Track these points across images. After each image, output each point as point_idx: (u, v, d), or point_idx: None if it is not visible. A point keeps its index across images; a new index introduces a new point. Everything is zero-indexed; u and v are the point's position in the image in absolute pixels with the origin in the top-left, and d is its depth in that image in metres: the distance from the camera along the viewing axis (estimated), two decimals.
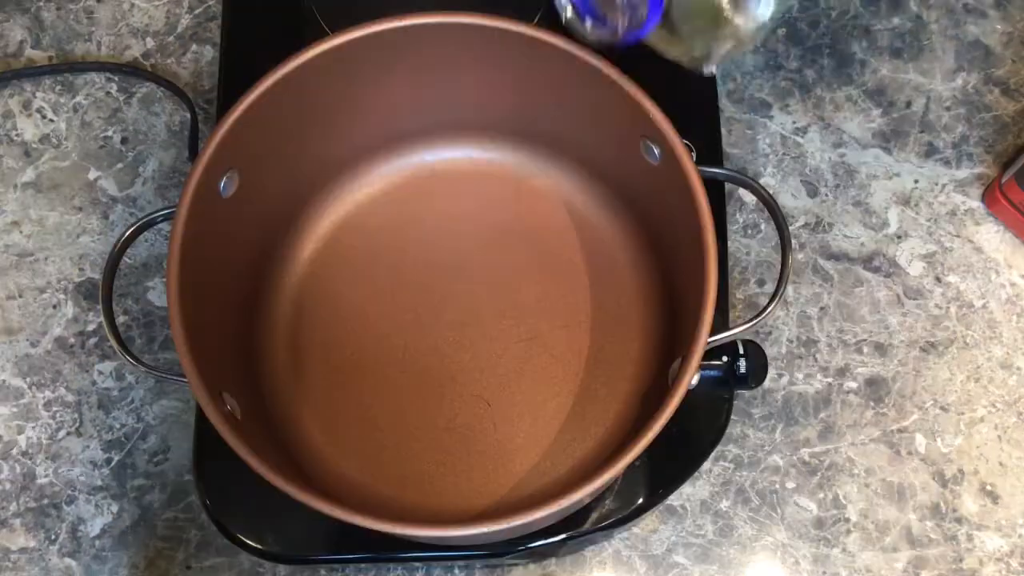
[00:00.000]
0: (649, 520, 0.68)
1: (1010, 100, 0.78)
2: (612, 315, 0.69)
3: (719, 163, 0.71)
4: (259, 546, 0.63)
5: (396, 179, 0.73)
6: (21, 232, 0.76)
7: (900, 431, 0.69)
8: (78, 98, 0.79)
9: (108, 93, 0.80)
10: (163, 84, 0.78)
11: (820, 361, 0.71)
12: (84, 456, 0.70)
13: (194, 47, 0.80)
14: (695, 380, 0.55)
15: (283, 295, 0.70)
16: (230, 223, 0.63)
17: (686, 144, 0.59)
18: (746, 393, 0.70)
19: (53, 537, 0.69)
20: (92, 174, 0.77)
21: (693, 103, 0.73)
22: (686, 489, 0.68)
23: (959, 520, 0.67)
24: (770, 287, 0.73)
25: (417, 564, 0.67)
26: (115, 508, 0.69)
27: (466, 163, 0.73)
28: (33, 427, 0.71)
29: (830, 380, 0.71)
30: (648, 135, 0.61)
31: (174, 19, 0.82)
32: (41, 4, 0.82)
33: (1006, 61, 0.79)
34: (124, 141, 0.78)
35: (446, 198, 0.72)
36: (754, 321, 0.59)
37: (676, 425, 0.54)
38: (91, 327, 0.73)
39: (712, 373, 0.65)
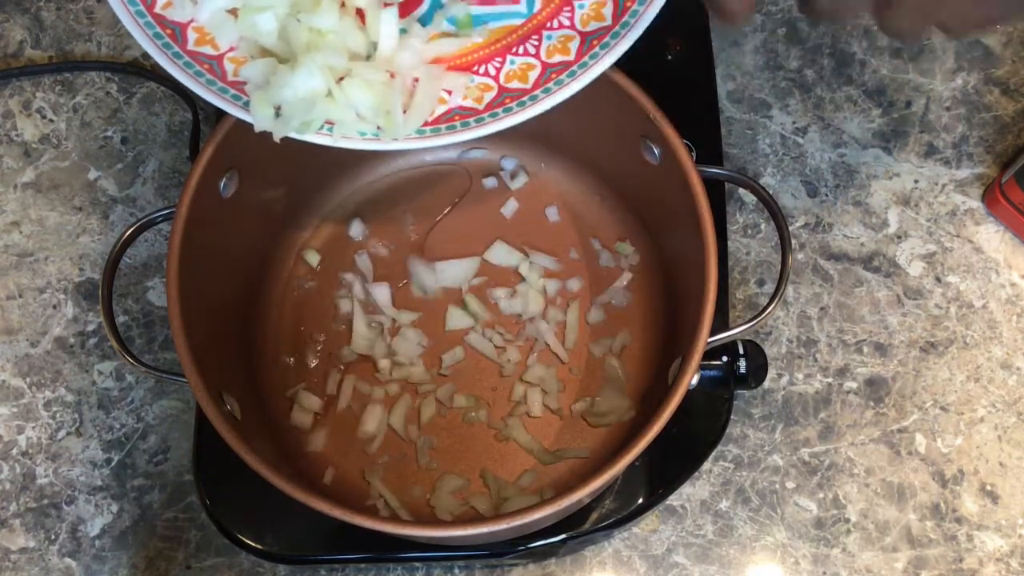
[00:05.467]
0: (649, 520, 0.68)
1: (1010, 100, 0.78)
2: (612, 315, 0.69)
3: (719, 163, 0.71)
4: (259, 546, 0.63)
5: (396, 179, 0.73)
6: (21, 232, 0.76)
7: (900, 431, 0.69)
8: (78, 98, 0.79)
9: (108, 93, 0.80)
10: (166, 84, 0.78)
11: (820, 361, 0.71)
12: (84, 456, 0.70)
13: None
14: (695, 380, 0.55)
15: (283, 295, 0.70)
16: (230, 223, 0.63)
17: (686, 144, 0.59)
18: (746, 393, 0.70)
19: (53, 537, 0.69)
20: (92, 174, 0.77)
21: (693, 103, 0.73)
22: (686, 489, 0.68)
23: (959, 520, 0.67)
24: (770, 287, 0.73)
25: (417, 564, 0.67)
26: (115, 508, 0.69)
27: (466, 163, 0.73)
28: (33, 427, 0.71)
29: (830, 380, 0.71)
30: (648, 135, 0.61)
31: None
32: (41, 4, 0.82)
33: (1006, 61, 0.79)
34: (124, 141, 0.78)
35: (446, 198, 0.72)
36: (754, 321, 0.59)
37: (676, 425, 0.54)
38: (91, 327, 0.73)
39: (712, 373, 0.65)
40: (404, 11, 0.55)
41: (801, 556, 0.67)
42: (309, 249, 0.71)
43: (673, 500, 0.68)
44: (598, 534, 0.64)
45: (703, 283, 0.56)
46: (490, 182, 0.72)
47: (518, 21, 0.56)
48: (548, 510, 0.52)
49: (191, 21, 0.54)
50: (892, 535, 0.67)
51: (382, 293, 0.69)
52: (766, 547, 0.67)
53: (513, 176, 0.72)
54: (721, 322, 0.66)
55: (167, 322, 0.61)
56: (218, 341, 0.61)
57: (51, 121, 0.79)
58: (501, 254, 0.70)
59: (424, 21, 0.55)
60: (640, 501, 0.64)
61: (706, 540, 0.67)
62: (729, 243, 0.72)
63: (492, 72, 0.55)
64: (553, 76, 0.54)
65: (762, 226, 0.74)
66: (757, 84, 0.78)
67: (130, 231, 0.61)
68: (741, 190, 0.74)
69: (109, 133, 0.78)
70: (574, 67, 0.54)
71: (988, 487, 0.68)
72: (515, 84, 0.55)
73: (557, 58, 0.54)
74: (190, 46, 0.54)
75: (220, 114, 0.56)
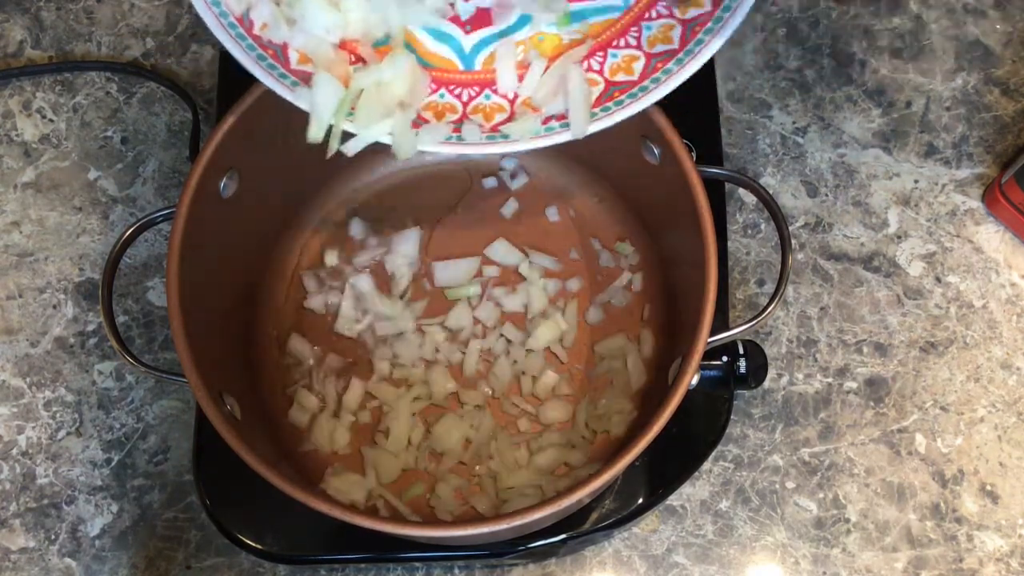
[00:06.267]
0: (649, 520, 0.68)
1: (1010, 100, 0.78)
2: (612, 315, 0.69)
3: (719, 163, 0.71)
4: (259, 546, 0.63)
5: (396, 179, 0.73)
6: (21, 232, 0.76)
7: (900, 431, 0.69)
8: (78, 98, 0.79)
9: (108, 93, 0.80)
10: (164, 83, 0.78)
11: (820, 361, 0.71)
12: (84, 456, 0.70)
13: (194, 47, 0.80)
14: (695, 380, 0.55)
15: (283, 296, 0.70)
16: (230, 223, 0.63)
17: (686, 144, 0.59)
18: (746, 393, 0.70)
19: (53, 537, 0.69)
20: (92, 174, 0.77)
21: (693, 103, 0.72)
22: (686, 489, 0.68)
23: (959, 520, 0.67)
24: (770, 287, 0.73)
25: (417, 564, 0.67)
26: (115, 508, 0.69)
27: (466, 163, 0.73)
28: (33, 427, 0.71)
29: (830, 380, 0.71)
30: (648, 135, 0.61)
31: (174, 19, 0.81)
32: (41, 4, 0.82)
33: (1006, 61, 0.79)
34: (124, 141, 0.78)
35: (446, 198, 0.72)
36: (754, 321, 0.59)
37: (676, 425, 0.54)
38: (91, 327, 0.73)
39: (712, 373, 0.65)
40: (481, 25, 0.55)
41: (801, 556, 0.67)
42: (309, 249, 0.71)
43: (673, 500, 0.68)
44: (598, 534, 0.64)
45: (703, 283, 0.56)
46: (490, 182, 0.72)
47: (616, 15, 0.56)
48: (548, 510, 0.52)
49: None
50: (892, 535, 0.67)
51: (383, 293, 0.69)
52: (766, 547, 0.67)
53: (513, 176, 0.72)
54: (721, 322, 0.66)
55: (167, 322, 0.61)
56: (218, 341, 0.61)
57: (51, 121, 0.79)
58: (501, 254, 0.70)
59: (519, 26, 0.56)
60: (640, 501, 0.64)
61: (706, 540, 0.67)
62: (729, 243, 0.72)
63: (596, 67, 0.55)
64: (659, 66, 0.54)
65: (762, 226, 0.74)
66: (757, 84, 0.78)
67: (130, 231, 0.61)
68: (741, 190, 0.74)
69: (109, 133, 0.78)
70: (680, 55, 0.54)
71: (988, 487, 0.68)
72: (621, 77, 0.55)
73: (660, 47, 0.54)
74: (294, 66, 0.54)
75: (220, 114, 0.56)
